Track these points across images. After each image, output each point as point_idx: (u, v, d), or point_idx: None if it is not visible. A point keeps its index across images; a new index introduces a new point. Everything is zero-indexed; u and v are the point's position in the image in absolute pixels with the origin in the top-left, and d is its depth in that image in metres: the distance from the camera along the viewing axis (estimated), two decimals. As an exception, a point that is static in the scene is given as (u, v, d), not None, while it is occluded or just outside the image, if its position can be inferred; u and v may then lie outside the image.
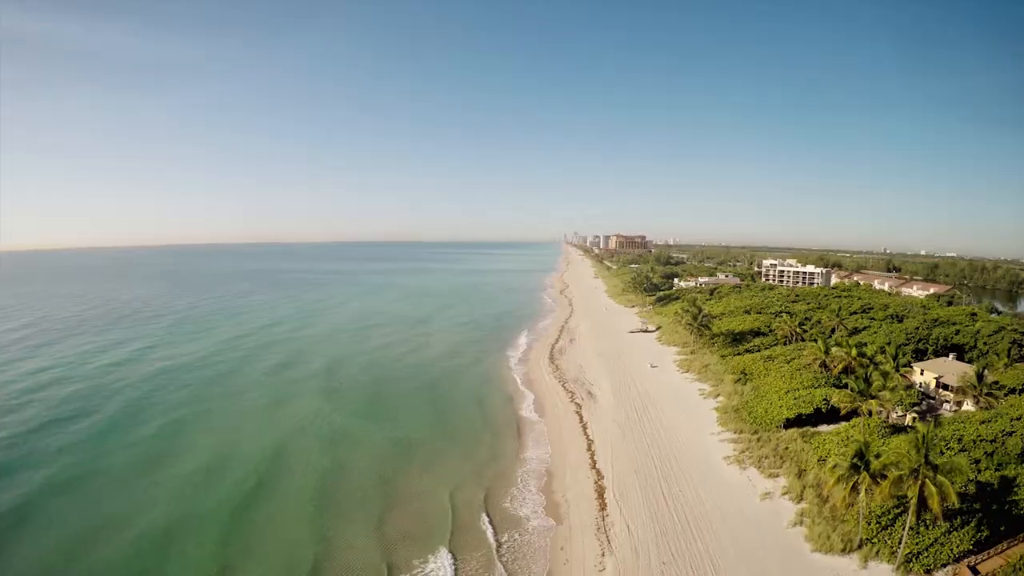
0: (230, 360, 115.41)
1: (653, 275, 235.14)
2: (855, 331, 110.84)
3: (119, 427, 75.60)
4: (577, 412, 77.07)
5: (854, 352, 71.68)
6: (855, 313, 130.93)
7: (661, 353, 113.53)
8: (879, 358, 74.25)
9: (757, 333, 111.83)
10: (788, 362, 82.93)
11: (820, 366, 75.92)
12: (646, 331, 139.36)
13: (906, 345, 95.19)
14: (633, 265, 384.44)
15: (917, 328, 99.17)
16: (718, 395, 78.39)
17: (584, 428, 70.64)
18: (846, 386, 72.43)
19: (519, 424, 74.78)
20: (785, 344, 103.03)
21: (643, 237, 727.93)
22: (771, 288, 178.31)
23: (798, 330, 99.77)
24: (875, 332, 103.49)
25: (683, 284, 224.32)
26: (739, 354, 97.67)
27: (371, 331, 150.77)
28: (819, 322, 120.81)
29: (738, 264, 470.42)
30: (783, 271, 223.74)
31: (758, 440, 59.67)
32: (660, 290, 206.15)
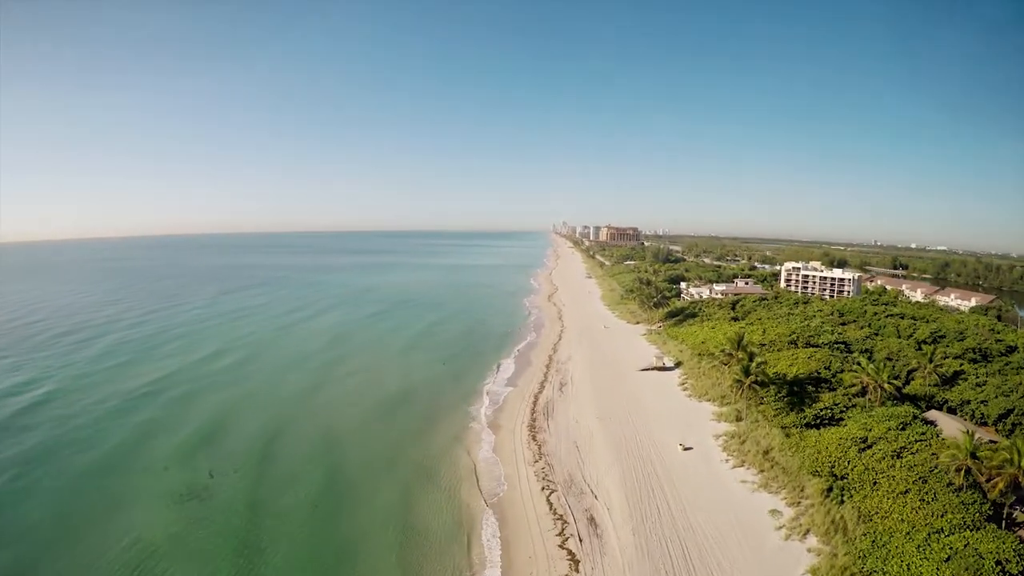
0: (134, 424, 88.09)
1: (656, 278, 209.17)
2: (944, 379, 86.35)
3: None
4: (571, 580, 47.54)
5: (1026, 464, 46.84)
6: (925, 342, 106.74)
7: (691, 413, 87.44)
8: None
9: (818, 380, 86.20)
10: (897, 455, 57.60)
11: (963, 473, 50.92)
12: (663, 368, 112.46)
13: (1034, 411, 71.01)
14: (629, 262, 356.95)
15: (1042, 384, 74.83)
16: (807, 531, 50.97)
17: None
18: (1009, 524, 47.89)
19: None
20: (861, 395, 78.24)
21: (635, 229, 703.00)
22: (805, 302, 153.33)
23: (887, 386, 74.42)
24: (982, 386, 78.89)
25: (694, 291, 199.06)
26: (810, 425, 71.70)
27: (334, 369, 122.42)
28: (889, 358, 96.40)
29: (738, 260, 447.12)
30: (807, 275, 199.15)
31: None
32: (668, 298, 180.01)
